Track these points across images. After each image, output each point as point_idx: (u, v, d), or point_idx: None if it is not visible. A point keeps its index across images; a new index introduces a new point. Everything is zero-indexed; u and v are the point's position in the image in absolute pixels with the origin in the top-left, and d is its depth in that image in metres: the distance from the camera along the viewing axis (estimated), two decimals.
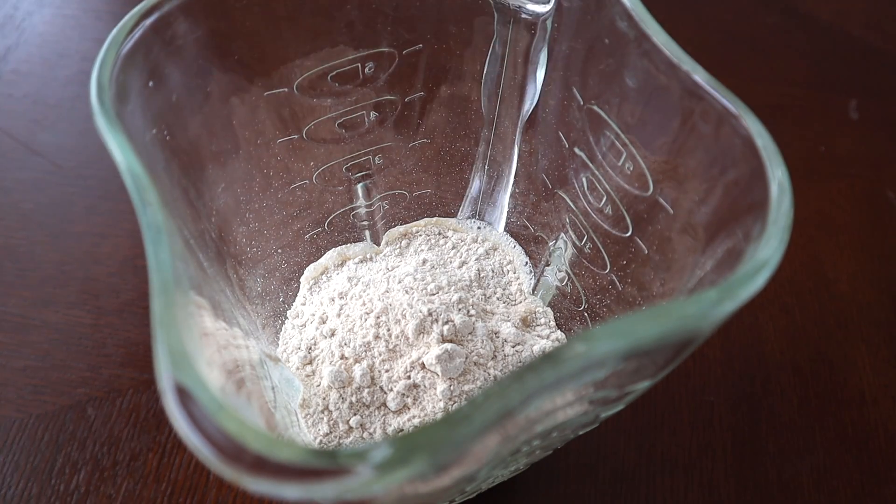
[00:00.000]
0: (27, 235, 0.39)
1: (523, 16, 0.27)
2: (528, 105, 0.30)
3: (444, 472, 0.15)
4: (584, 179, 0.27)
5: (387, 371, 0.27)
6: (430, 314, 0.27)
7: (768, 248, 0.16)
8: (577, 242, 0.29)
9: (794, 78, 0.48)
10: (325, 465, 0.12)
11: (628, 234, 0.25)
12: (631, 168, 0.24)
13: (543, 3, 0.26)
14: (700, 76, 0.20)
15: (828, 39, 0.51)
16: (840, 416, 0.34)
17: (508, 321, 0.29)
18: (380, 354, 0.27)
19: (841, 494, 0.32)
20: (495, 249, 0.33)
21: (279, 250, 0.31)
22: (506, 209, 0.34)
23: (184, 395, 0.13)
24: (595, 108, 0.25)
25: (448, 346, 0.26)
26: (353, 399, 0.27)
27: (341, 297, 0.30)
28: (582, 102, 0.26)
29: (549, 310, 0.31)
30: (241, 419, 0.13)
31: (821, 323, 0.37)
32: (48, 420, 0.33)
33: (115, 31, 0.20)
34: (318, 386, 0.28)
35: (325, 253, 0.33)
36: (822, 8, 0.53)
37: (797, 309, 0.37)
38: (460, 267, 0.32)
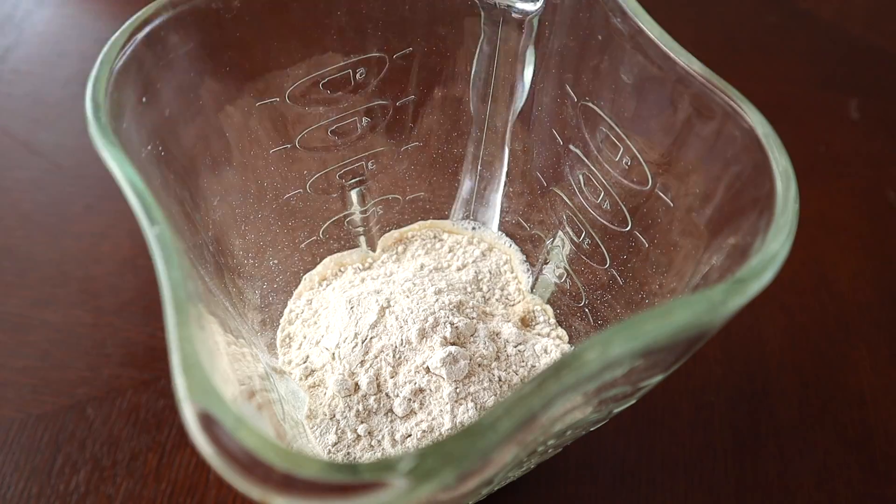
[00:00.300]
0: (26, 235, 0.39)
1: (513, 14, 0.27)
2: (518, 104, 0.30)
3: (468, 480, 0.15)
4: (579, 176, 0.27)
5: (392, 377, 0.27)
6: (432, 318, 0.27)
7: (776, 242, 0.16)
8: (575, 239, 0.29)
9: (794, 78, 0.48)
10: (356, 479, 0.12)
11: (627, 228, 0.25)
12: (628, 163, 0.24)
13: (532, 2, 0.26)
14: (696, 67, 0.20)
15: (828, 39, 0.51)
16: (840, 416, 0.34)
17: (509, 321, 0.29)
18: (384, 360, 0.27)
19: (841, 494, 0.32)
20: (491, 250, 0.33)
21: (276, 261, 0.31)
22: (499, 209, 0.34)
23: (207, 420, 0.13)
24: (590, 104, 0.25)
25: (451, 348, 0.26)
26: (360, 407, 0.27)
27: (341, 305, 0.30)
28: (576, 99, 0.26)
29: (548, 307, 0.31)
30: (263, 436, 0.13)
31: (821, 323, 0.37)
32: (48, 420, 0.33)
33: (107, 46, 0.20)
34: (324, 395, 0.27)
35: (321, 261, 0.33)
36: (823, 7, 0.53)
37: (797, 309, 0.37)
38: (458, 270, 0.32)
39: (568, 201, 0.29)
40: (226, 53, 0.25)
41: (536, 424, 0.15)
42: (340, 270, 0.33)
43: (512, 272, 0.33)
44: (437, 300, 0.28)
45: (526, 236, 0.33)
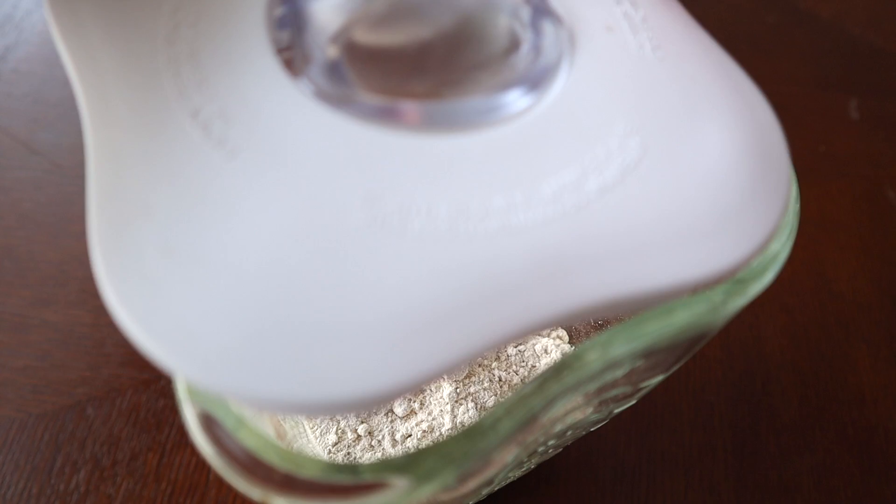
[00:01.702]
0: (26, 235, 0.39)
1: None
2: None
3: (468, 480, 0.15)
4: None
5: None
6: None
7: (777, 242, 0.16)
8: None
9: (794, 77, 0.48)
10: (356, 480, 0.12)
11: None
12: None
13: None
14: None
15: (828, 38, 0.51)
16: (840, 416, 0.34)
17: None
18: None
19: (841, 494, 0.32)
20: None
21: None
22: None
23: (208, 420, 0.13)
24: None
25: None
26: None
27: None
28: None
29: None
30: (263, 436, 0.13)
31: (821, 323, 0.37)
32: (48, 420, 0.33)
33: None
34: None
35: None
36: (823, 7, 0.53)
37: (797, 309, 0.37)
38: None
39: None
40: None
41: (537, 425, 0.15)
42: None
43: None
44: None
45: None
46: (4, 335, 0.35)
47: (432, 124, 0.14)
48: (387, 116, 0.14)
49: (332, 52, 0.15)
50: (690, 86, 0.16)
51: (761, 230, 0.14)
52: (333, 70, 0.14)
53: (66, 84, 0.46)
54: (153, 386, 0.34)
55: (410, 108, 0.14)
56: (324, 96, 0.14)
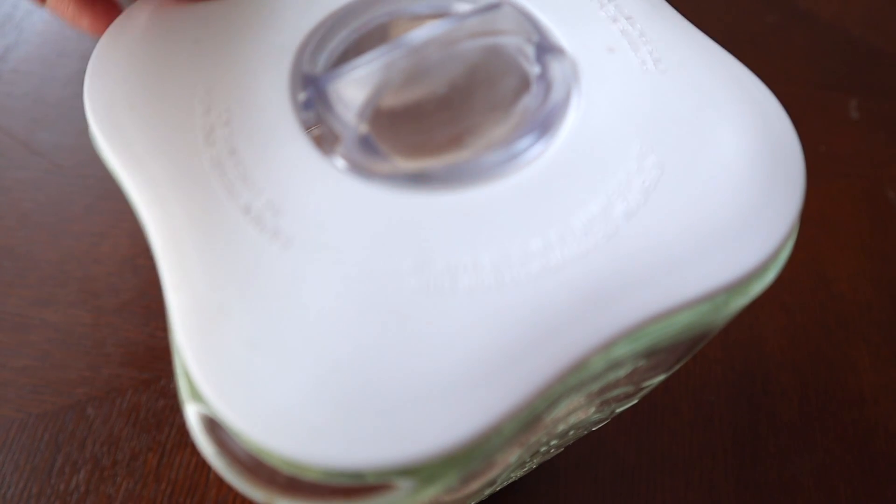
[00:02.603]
0: (26, 235, 0.39)
1: None
2: None
3: (471, 481, 0.15)
4: None
5: None
6: None
7: None
8: None
9: (795, 77, 0.48)
10: (361, 482, 0.13)
11: None
12: None
13: None
14: None
15: (828, 39, 0.51)
16: (840, 416, 0.34)
17: None
18: None
19: (841, 494, 0.32)
20: None
21: None
22: None
23: (211, 422, 0.13)
24: None
25: None
26: None
27: None
28: None
29: None
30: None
31: (821, 323, 0.37)
32: (48, 420, 0.33)
33: None
34: None
35: None
36: (823, 7, 0.53)
37: (797, 309, 0.37)
38: None
39: None
40: None
41: (540, 425, 0.15)
42: None
43: None
44: None
45: None
46: (4, 335, 0.35)
47: (461, 179, 0.15)
48: (418, 181, 0.15)
49: (363, 128, 0.16)
50: (696, 94, 0.16)
51: (783, 223, 0.14)
52: (364, 144, 0.15)
53: (66, 84, 0.46)
54: (153, 386, 0.34)
55: (439, 168, 0.15)
56: (357, 170, 0.15)
